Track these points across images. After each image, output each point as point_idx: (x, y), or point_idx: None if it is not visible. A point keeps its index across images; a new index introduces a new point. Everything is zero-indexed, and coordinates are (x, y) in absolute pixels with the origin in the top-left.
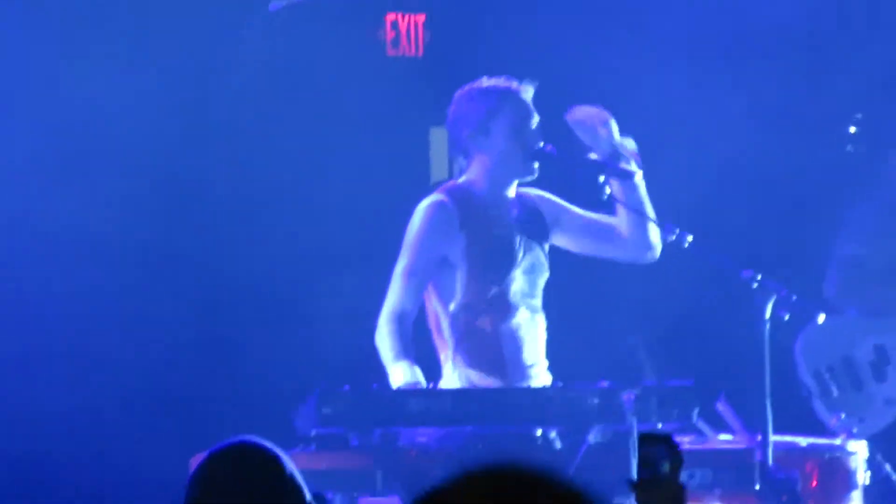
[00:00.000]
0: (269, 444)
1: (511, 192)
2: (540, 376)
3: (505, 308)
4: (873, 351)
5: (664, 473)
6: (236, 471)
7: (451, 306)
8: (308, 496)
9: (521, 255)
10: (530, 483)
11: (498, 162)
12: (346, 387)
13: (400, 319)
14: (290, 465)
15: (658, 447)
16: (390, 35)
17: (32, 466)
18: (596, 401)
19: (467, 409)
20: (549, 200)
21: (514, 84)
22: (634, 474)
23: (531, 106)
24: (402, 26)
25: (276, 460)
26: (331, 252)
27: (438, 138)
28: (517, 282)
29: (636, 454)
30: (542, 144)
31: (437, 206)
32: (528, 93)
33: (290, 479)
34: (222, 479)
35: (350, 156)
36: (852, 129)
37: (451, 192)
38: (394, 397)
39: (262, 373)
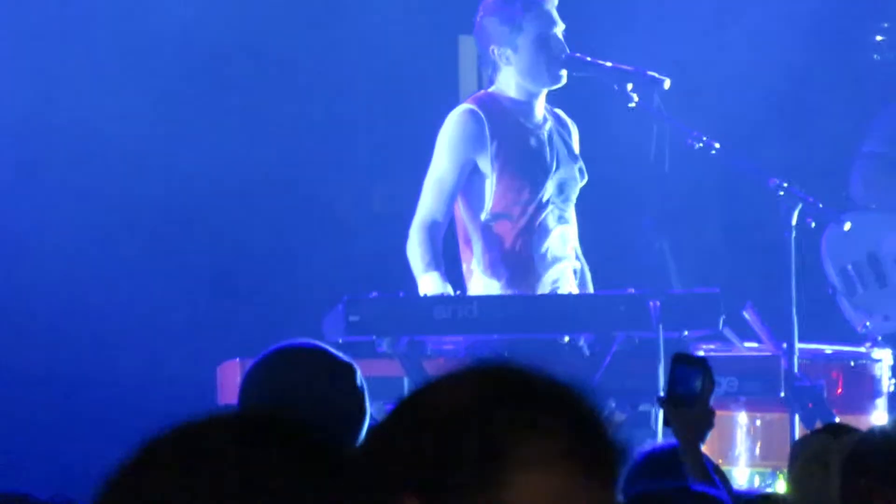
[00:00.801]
0: (338, 352)
1: (541, 101)
2: (567, 286)
3: (535, 217)
4: None
5: (696, 395)
6: (311, 374)
7: (482, 215)
8: (369, 409)
9: (552, 164)
10: (525, 378)
11: (526, 72)
12: (374, 294)
13: (431, 229)
14: (360, 376)
15: (693, 369)
16: None
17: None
18: (622, 308)
19: (494, 317)
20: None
21: None
22: (663, 390)
23: (555, 14)
24: None
25: (350, 368)
26: (360, 161)
27: (467, 47)
28: (548, 191)
29: (669, 372)
30: (568, 52)
31: (468, 115)
32: (551, 2)
33: (360, 391)
34: (293, 380)
35: (381, 65)
36: (879, 38)
37: (481, 101)
38: (421, 304)
39: (291, 279)
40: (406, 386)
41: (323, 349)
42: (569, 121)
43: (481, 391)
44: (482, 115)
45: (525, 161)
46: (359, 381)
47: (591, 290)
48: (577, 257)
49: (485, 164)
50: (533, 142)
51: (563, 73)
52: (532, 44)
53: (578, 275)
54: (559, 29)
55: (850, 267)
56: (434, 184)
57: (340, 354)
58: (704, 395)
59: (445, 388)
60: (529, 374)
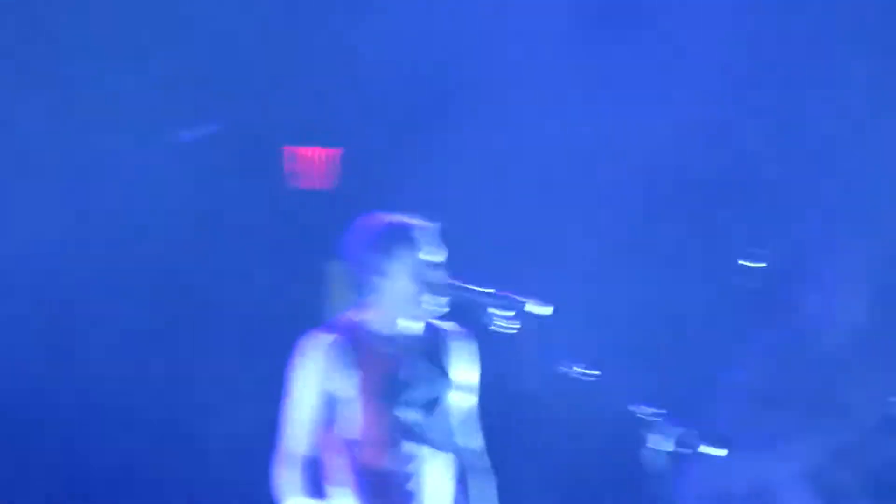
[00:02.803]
0: None
1: (412, 326)
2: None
3: (397, 443)
4: None
5: None
6: None
7: (341, 439)
8: None
9: (423, 389)
10: None
11: (399, 301)
12: None
13: (295, 463)
14: None
15: None
16: (299, 167)
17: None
18: None
19: None
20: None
21: (413, 221)
22: None
23: (431, 243)
24: (311, 158)
25: None
26: (227, 388)
27: (338, 272)
28: (418, 417)
29: None
30: (444, 280)
31: (322, 343)
32: (427, 230)
33: None
34: None
35: (252, 288)
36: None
37: (343, 329)
38: None
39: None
40: None
41: None
42: (458, 332)
43: None
44: (337, 344)
45: (385, 387)
46: None
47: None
48: (476, 473)
49: (341, 391)
50: (394, 365)
51: (432, 305)
52: (404, 273)
53: (478, 492)
54: (436, 257)
55: None
56: (293, 415)
57: None
58: None
59: None
60: None
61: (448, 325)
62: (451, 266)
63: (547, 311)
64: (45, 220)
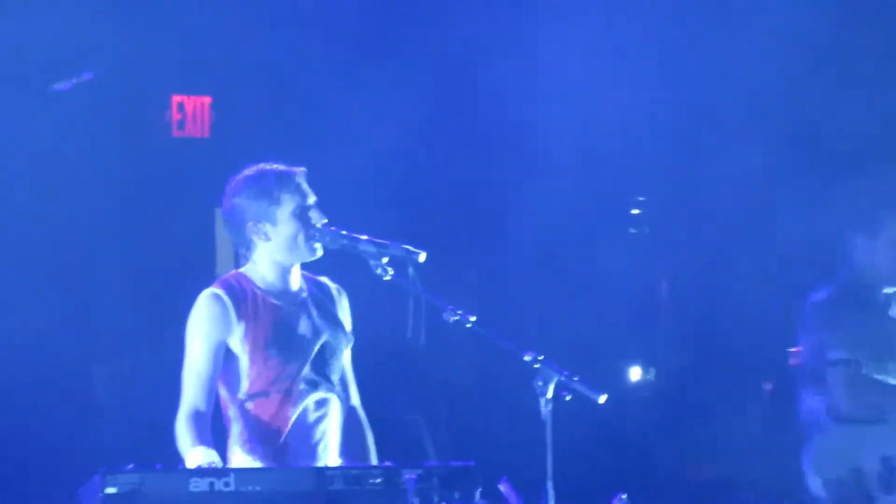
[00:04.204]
0: None
1: (296, 273)
2: (329, 456)
3: (291, 391)
4: (881, 462)
5: None
6: None
7: (239, 394)
8: None
9: (309, 335)
10: None
11: (283, 245)
12: (131, 466)
13: (195, 417)
14: None
15: None
16: (176, 117)
17: None
18: (378, 480)
19: (250, 489)
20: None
21: (287, 167)
22: None
23: (307, 187)
24: (189, 108)
25: None
26: (115, 337)
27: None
28: (305, 364)
29: None
30: (323, 223)
31: (213, 299)
32: (302, 175)
33: None
34: None
35: (137, 240)
36: (635, 211)
37: (226, 284)
38: (178, 477)
39: (47, 452)
40: None
41: None
42: (333, 287)
43: None
44: (227, 299)
45: (277, 338)
46: None
47: (373, 459)
48: (354, 426)
49: (235, 346)
50: (285, 317)
51: (318, 245)
52: (290, 216)
53: (357, 444)
54: (313, 200)
55: (834, 482)
56: (191, 372)
57: None
58: None
59: None
60: None
61: (323, 279)
62: (324, 211)
63: (422, 257)
64: None
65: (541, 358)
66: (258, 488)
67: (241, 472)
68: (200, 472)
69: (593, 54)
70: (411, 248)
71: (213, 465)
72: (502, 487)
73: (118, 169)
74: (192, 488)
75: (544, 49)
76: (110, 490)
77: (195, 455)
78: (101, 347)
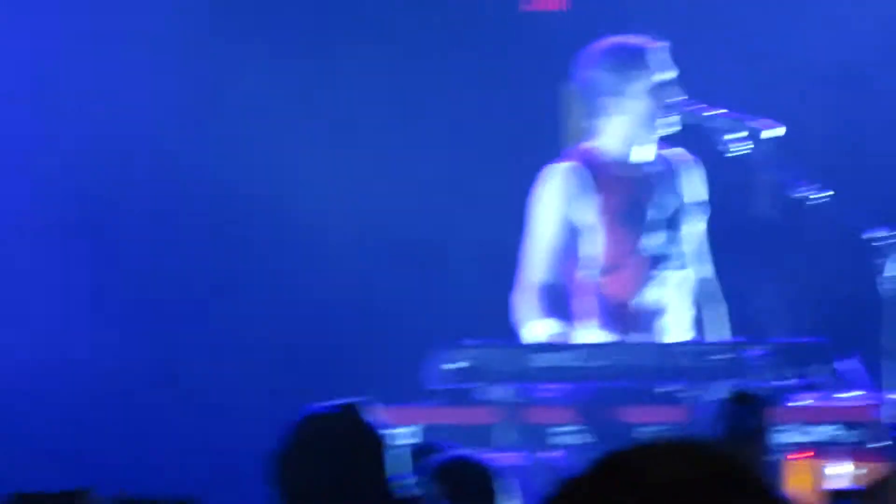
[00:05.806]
0: (373, 419)
1: (649, 150)
2: (680, 333)
3: (642, 267)
4: None
5: (751, 433)
6: (335, 445)
7: (588, 268)
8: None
9: (661, 211)
10: (681, 456)
11: (634, 122)
12: (473, 341)
13: (541, 290)
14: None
15: (749, 407)
16: None
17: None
18: (728, 356)
19: (593, 364)
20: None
21: (646, 41)
22: (719, 427)
23: (666, 62)
24: None
25: (377, 440)
26: (466, 205)
27: (568, 97)
28: (657, 239)
29: (724, 409)
30: (678, 99)
31: (568, 172)
32: (661, 49)
33: (381, 465)
34: (320, 448)
35: (483, 115)
36: None
37: (582, 156)
38: (519, 352)
39: (391, 324)
40: (504, 434)
41: (352, 416)
42: (687, 158)
43: (701, 469)
44: (582, 172)
45: (630, 212)
46: (384, 455)
47: (725, 332)
48: (708, 299)
49: (588, 219)
50: (636, 190)
51: (673, 120)
52: (645, 91)
53: (710, 318)
54: (671, 75)
55: None
56: (538, 244)
57: (371, 422)
58: (760, 434)
59: (660, 459)
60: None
61: (678, 151)
62: (682, 86)
63: (780, 132)
64: None
65: (884, 234)
66: (604, 363)
67: (588, 348)
68: (546, 346)
69: None
70: (770, 122)
71: (558, 339)
72: (852, 365)
73: (463, 43)
74: (537, 363)
75: None
76: (452, 364)
77: (539, 327)
78: (456, 216)
